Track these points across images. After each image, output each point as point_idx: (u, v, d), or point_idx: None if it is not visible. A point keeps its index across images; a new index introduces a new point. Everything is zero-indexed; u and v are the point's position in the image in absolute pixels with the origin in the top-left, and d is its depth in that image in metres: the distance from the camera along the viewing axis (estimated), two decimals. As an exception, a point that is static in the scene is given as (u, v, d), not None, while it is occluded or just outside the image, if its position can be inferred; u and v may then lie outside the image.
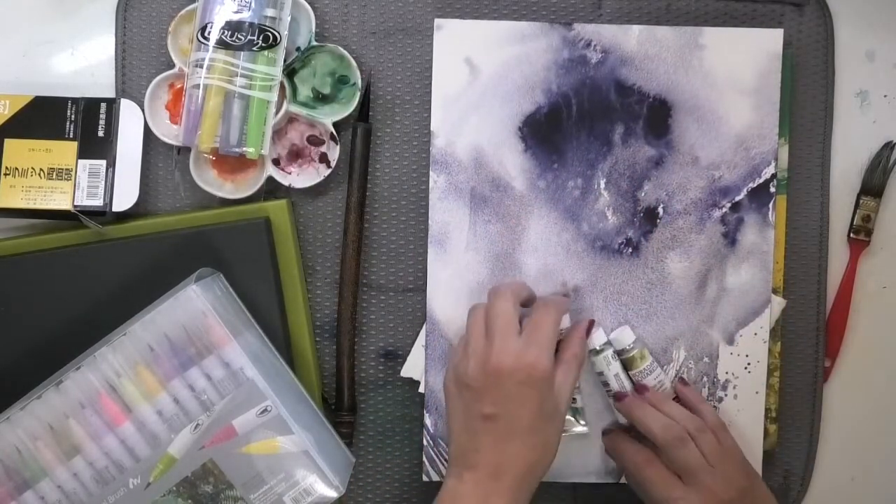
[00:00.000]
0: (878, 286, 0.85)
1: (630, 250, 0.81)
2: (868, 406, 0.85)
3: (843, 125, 0.85)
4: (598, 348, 0.79)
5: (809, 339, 0.84)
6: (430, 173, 0.81)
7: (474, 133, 0.81)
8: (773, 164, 0.81)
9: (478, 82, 0.81)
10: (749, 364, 0.81)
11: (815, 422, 0.84)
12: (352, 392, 0.83)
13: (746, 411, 0.81)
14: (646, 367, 0.79)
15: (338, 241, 0.83)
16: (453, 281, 0.81)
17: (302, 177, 0.82)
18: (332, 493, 0.74)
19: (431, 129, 0.81)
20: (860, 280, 0.85)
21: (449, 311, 0.81)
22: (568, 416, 0.80)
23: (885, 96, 0.85)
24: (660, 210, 0.81)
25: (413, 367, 0.83)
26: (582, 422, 0.80)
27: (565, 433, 0.79)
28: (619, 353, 0.80)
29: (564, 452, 0.81)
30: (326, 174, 0.81)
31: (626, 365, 0.80)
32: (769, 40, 0.81)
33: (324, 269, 0.84)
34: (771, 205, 0.81)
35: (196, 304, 0.73)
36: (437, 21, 0.81)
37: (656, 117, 0.81)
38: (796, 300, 0.84)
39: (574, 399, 0.80)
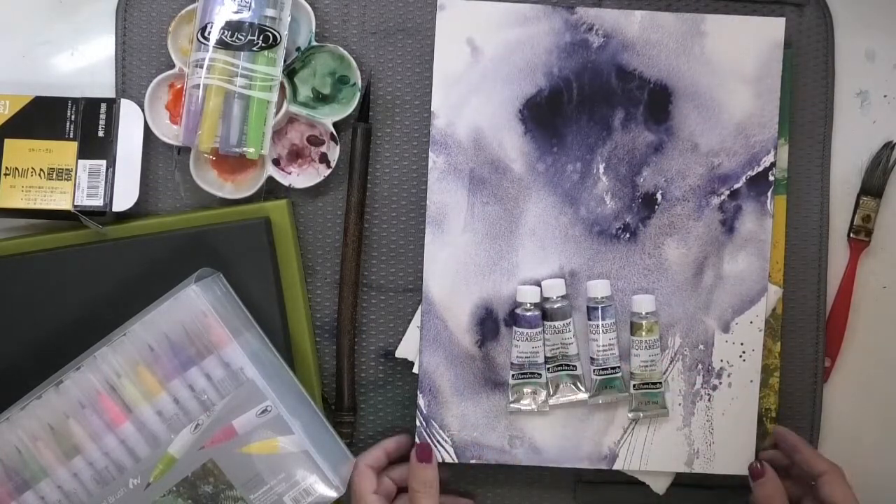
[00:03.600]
0: (878, 286, 0.85)
1: (627, 236, 0.81)
2: (868, 406, 0.85)
3: (843, 125, 0.85)
4: (599, 300, 0.80)
5: (809, 339, 0.84)
6: (430, 153, 0.81)
7: (475, 114, 0.81)
8: (772, 152, 0.81)
9: (479, 63, 0.81)
10: (744, 352, 0.81)
11: (815, 422, 0.84)
12: (352, 392, 0.83)
13: (740, 399, 0.81)
14: (648, 340, 0.80)
15: (338, 241, 0.83)
16: (450, 262, 0.81)
17: (302, 177, 0.82)
18: (332, 493, 0.75)
19: (432, 109, 0.81)
20: (860, 280, 0.85)
21: (445, 292, 0.81)
22: (568, 384, 0.80)
23: (885, 96, 0.85)
24: (658, 196, 0.81)
25: (407, 348, 0.83)
26: (582, 388, 0.81)
27: (566, 401, 0.80)
28: (632, 315, 0.80)
29: (558, 436, 0.81)
30: (326, 174, 0.81)
31: (632, 329, 0.80)
32: (771, 29, 0.81)
33: (324, 269, 0.84)
34: (769, 193, 0.81)
35: (196, 304, 0.73)
36: (440, 0, 0.81)
37: (657, 103, 0.81)
38: (796, 300, 0.84)
39: (573, 366, 0.80)
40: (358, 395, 0.84)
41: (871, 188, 0.84)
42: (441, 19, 0.81)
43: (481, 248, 0.81)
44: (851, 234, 0.84)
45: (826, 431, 0.85)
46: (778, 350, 0.83)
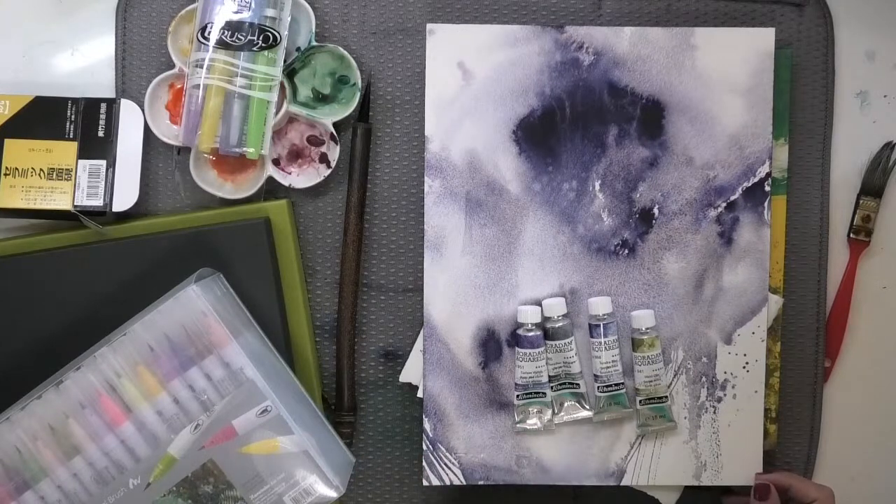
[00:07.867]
0: (878, 286, 0.85)
1: (626, 252, 0.81)
2: (868, 406, 0.85)
3: (843, 125, 0.85)
4: (601, 317, 0.80)
5: (809, 339, 0.84)
6: (426, 178, 0.81)
7: (468, 137, 0.81)
8: (767, 162, 0.81)
9: (471, 86, 0.81)
10: (747, 363, 0.81)
11: (815, 422, 0.84)
12: (352, 392, 0.83)
13: (746, 410, 0.81)
14: (651, 355, 0.79)
15: (338, 241, 0.83)
16: (450, 285, 0.81)
17: (302, 177, 0.82)
18: (332, 493, 0.74)
19: (426, 133, 0.81)
20: (860, 280, 0.85)
21: (446, 316, 0.81)
22: (572, 402, 0.80)
23: (885, 96, 0.85)
24: (655, 211, 0.81)
25: (411, 371, 0.83)
26: (587, 406, 0.80)
27: (570, 419, 0.80)
28: (632, 332, 0.80)
29: (565, 454, 0.81)
30: (326, 174, 0.81)
31: (634, 345, 0.80)
32: (761, 39, 0.81)
33: (324, 269, 0.84)
34: (766, 203, 0.81)
35: (196, 304, 0.73)
36: (429, 26, 0.81)
37: (650, 118, 0.81)
38: (796, 300, 0.84)
39: (577, 384, 0.80)
40: (358, 395, 0.84)
41: (871, 188, 0.84)
42: (431, 44, 0.81)
43: (481, 269, 0.81)
44: (851, 235, 0.84)
45: (826, 431, 0.85)
46: (778, 350, 0.83)
